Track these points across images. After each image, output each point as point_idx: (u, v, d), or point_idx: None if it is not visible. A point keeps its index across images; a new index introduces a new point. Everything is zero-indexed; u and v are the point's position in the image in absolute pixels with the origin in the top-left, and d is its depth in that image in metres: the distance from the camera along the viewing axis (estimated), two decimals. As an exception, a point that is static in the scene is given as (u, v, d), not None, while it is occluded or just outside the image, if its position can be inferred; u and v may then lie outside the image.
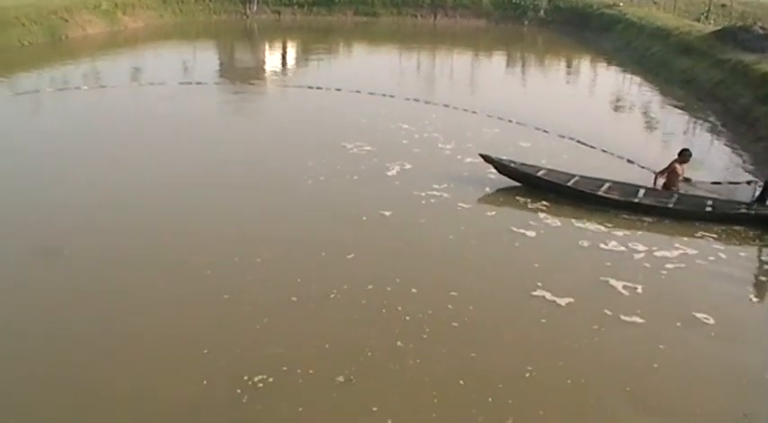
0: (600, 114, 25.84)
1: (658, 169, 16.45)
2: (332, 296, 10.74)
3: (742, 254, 13.31)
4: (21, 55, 32.91)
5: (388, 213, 14.07)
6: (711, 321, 10.62)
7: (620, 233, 13.64)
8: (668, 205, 14.98)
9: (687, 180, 16.30)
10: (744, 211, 14.80)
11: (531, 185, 15.71)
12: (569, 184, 15.58)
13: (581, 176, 15.95)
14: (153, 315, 10.32)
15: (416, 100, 24.73)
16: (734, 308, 11.32)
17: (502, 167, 16.05)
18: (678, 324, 10.58)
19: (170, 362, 9.20)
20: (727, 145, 21.72)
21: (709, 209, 14.88)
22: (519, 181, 15.96)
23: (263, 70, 33.89)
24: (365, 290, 10.97)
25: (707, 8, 46.92)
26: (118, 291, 10.94)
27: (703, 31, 36.11)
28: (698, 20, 43.92)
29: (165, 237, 12.96)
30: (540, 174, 15.91)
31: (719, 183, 16.54)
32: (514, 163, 16.18)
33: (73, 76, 28.19)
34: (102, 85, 26.69)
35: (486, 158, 16.13)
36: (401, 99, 24.66)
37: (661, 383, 9.17)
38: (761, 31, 31.89)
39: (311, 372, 8.90)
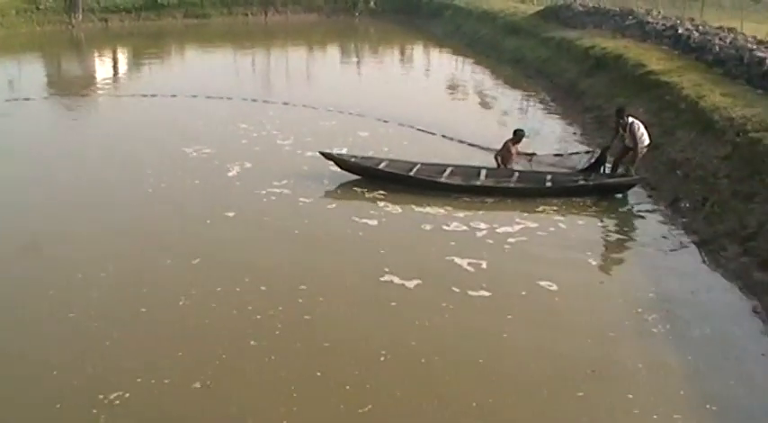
0: (437, 99, 26.35)
1: (496, 147, 16.91)
2: (181, 303, 10.65)
3: (580, 222, 13.96)
4: None
5: (231, 214, 14.04)
6: (554, 287, 11.10)
7: (461, 214, 13.99)
8: (509, 185, 15.37)
9: (531, 155, 16.85)
10: (582, 182, 15.39)
11: (374, 178, 15.78)
12: (412, 173, 15.66)
13: (422, 164, 16.09)
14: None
15: (254, 100, 24.67)
16: (575, 273, 11.84)
17: (342, 163, 16.03)
18: (523, 293, 11.01)
19: (17, 386, 8.88)
20: (558, 118, 22.73)
21: (549, 184, 15.37)
22: (361, 175, 15.95)
23: (94, 80, 32.82)
24: (214, 293, 10.91)
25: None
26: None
27: (528, 12, 37.38)
28: (522, 1, 45.31)
29: (3, 259, 12.53)
30: (381, 166, 15.93)
31: (561, 155, 17.19)
32: (355, 157, 16.24)
33: None
34: None
35: (326, 155, 16.11)
36: (238, 100, 24.57)
37: (511, 352, 9.55)
38: (581, 9, 33.42)
39: (167, 381, 8.81)
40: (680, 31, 23.69)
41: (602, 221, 14.14)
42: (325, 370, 9.06)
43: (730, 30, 23.88)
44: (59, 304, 10.73)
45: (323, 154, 16.16)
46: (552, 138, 20.09)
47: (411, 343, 9.67)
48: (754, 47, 19.74)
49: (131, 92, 27.22)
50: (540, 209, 14.36)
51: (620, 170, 15.76)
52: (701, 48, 21.57)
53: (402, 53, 40.34)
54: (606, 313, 10.56)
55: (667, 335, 9.90)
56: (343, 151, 17.59)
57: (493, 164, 16.49)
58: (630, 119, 15.46)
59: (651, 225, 13.94)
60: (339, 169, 16.05)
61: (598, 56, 25.02)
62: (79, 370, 9.12)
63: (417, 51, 40.69)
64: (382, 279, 11.36)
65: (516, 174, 15.93)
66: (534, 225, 13.57)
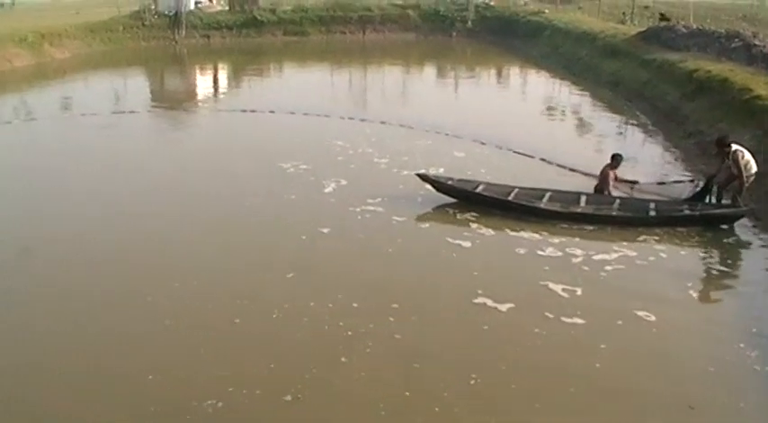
0: (533, 121, 25.99)
1: (595, 172, 16.60)
2: (274, 316, 10.77)
3: (682, 253, 13.49)
4: (-57, 91, 32.43)
5: (326, 230, 14.14)
6: (652, 318, 10.79)
7: (556, 240, 13.72)
8: (611, 213, 14.94)
9: (633, 182, 16.36)
10: (687, 212, 14.84)
11: (470, 202, 15.54)
12: (510, 197, 15.37)
13: (520, 188, 15.80)
14: (92, 343, 10.28)
15: (350, 118, 24.75)
16: (674, 304, 11.48)
17: (439, 185, 15.88)
18: (619, 322, 10.73)
19: (113, 388, 9.16)
20: (659, 143, 22.17)
21: (652, 213, 14.88)
22: (457, 198, 15.76)
23: (196, 95, 33.73)
24: (307, 307, 11.00)
25: (630, 10, 47.79)
26: (62, 320, 10.92)
27: (628, 33, 36.80)
28: (622, 22, 44.73)
29: (103, 267, 12.84)
30: (478, 189, 15.68)
31: (664, 183, 16.66)
32: (452, 180, 16.03)
33: (1, 110, 27.75)
34: (32, 118, 26.38)
35: (423, 177, 15.99)
36: (335, 117, 24.72)
37: (604, 383, 9.32)
38: (684, 30, 32.59)
39: (258, 392, 8.93)
40: (789, 56, 23.02)
41: (705, 253, 13.59)
42: (415, 390, 9.02)
43: (844, 55, 23.14)
44: (156, 311, 11.02)
45: (420, 176, 16.06)
46: (652, 164, 19.60)
47: (502, 367, 9.58)
48: None
49: (231, 107, 27.80)
50: (642, 238, 13.89)
51: (725, 200, 15.25)
52: (812, 73, 20.90)
53: (498, 74, 40.16)
54: (705, 347, 10.21)
55: (770, 373, 9.53)
56: (440, 171, 17.53)
57: (589, 189, 16.12)
58: (734, 146, 14.93)
59: (756, 258, 13.43)
60: (435, 191, 15.91)
61: (701, 79, 24.39)
62: (174, 376, 9.37)
63: (514, 72, 40.43)
64: (475, 301, 11.26)
65: (617, 201, 15.47)
66: (633, 253, 13.18)
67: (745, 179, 14.72)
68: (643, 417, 8.66)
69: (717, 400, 9.01)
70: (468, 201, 15.52)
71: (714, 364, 9.72)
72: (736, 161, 14.70)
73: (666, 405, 8.89)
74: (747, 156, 14.80)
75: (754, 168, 14.82)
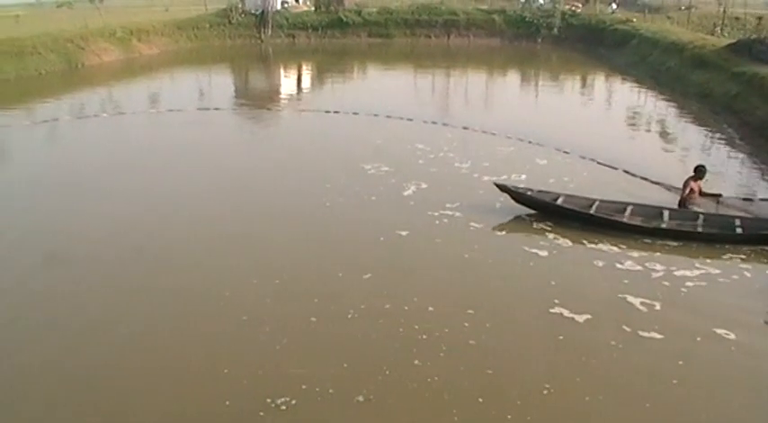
0: (617, 131, 25.66)
1: (679, 185, 16.29)
2: (349, 316, 10.85)
3: (768, 272, 13.23)
4: (38, 83, 33.47)
5: (404, 233, 14.19)
6: (732, 336, 10.55)
7: (635, 254, 13.47)
8: (697, 229, 14.54)
9: (717, 196, 16.05)
10: None
11: (549, 213, 15.30)
12: (592, 211, 15.08)
13: (601, 201, 15.49)
14: (173, 335, 10.57)
15: (433, 122, 24.78)
16: (756, 325, 11.22)
17: (518, 196, 15.59)
18: (698, 339, 10.53)
19: (191, 380, 9.39)
20: (745, 158, 21.65)
21: (739, 230, 14.40)
22: (536, 209, 15.53)
23: (279, 94, 34.16)
24: (382, 309, 11.07)
25: (720, 21, 46.89)
26: (144, 312, 11.24)
27: (717, 45, 36.11)
28: (712, 33, 43.92)
29: (186, 262, 13.16)
30: (559, 201, 15.39)
31: (751, 199, 16.28)
32: (531, 191, 15.77)
33: (91, 103, 28.58)
34: (120, 112, 27.12)
35: (502, 187, 15.75)
36: (418, 121, 24.79)
37: (681, 399, 9.18)
38: (775, 43, 31.89)
39: (331, 391, 9.01)
40: None
41: (791, 273, 13.30)
42: (488, 397, 9.00)
43: None
44: (234, 307, 11.20)
45: (498, 186, 15.83)
46: (737, 179, 19.19)
47: (576, 379, 9.50)
48: None
49: (315, 107, 28.06)
50: (727, 256, 13.51)
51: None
52: None
53: (583, 82, 39.77)
54: (787, 368, 9.96)
55: None
56: (522, 178, 17.58)
57: (672, 204, 15.74)
58: None
59: None
60: (514, 202, 15.67)
61: (793, 94, 23.88)
62: (249, 372, 9.51)
63: (599, 81, 39.98)
64: (551, 311, 11.18)
65: (701, 217, 15.00)
66: (716, 271, 12.85)
67: None
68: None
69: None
70: (547, 212, 15.30)
71: (797, 387, 9.49)
72: None
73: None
74: None
75: None
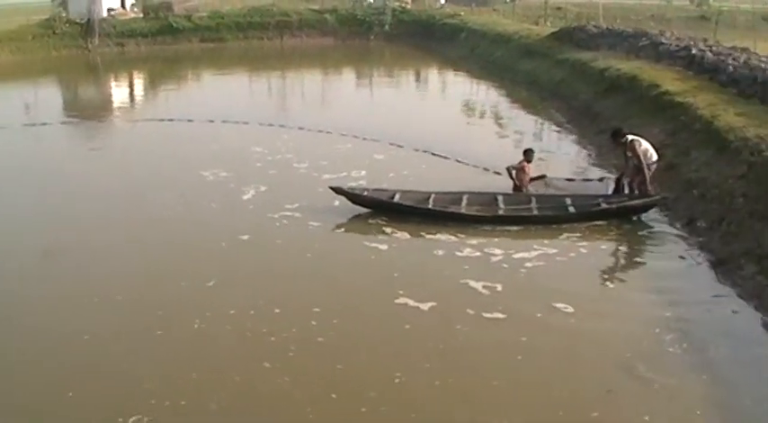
0: (452, 122, 26.28)
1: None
2: (195, 326, 10.70)
3: (603, 247, 13.93)
4: None
5: (245, 237, 14.11)
6: (570, 310, 11.06)
7: (474, 241, 13.81)
8: (533, 212, 15.05)
9: (542, 177, 16.75)
10: (605, 206, 15.06)
11: (387, 211, 15.27)
12: (429, 204, 15.22)
13: (436, 193, 15.66)
14: (6, 365, 10.05)
15: (270, 124, 24.58)
16: (593, 296, 11.87)
17: (354, 197, 15.52)
18: (539, 315, 10.99)
19: (34, 409, 8.94)
20: (574, 139, 22.74)
21: (571, 209, 15.07)
22: (373, 208, 15.46)
23: (111, 105, 33.15)
24: (228, 315, 10.97)
25: (544, 12, 48.67)
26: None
27: (542, 34, 37.53)
28: (536, 23, 45.57)
29: (15, 280, 12.67)
30: (395, 198, 15.44)
31: (573, 180, 17.11)
32: (367, 190, 15.76)
33: None
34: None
35: (337, 190, 15.59)
36: (255, 124, 24.53)
37: (526, 374, 9.55)
38: (595, 30, 33.44)
39: (183, 403, 8.86)
40: (693, 52, 23.70)
41: (622, 244, 14.09)
42: (340, 392, 9.08)
43: (744, 50, 23.97)
44: (76, 326, 10.80)
45: (333, 189, 15.65)
46: (567, 160, 20.10)
47: (426, 365, 9.69)
48: (768, 66, 19.77)
49: (148, 116, 27.42)
50: (564, 236, 14.13)
51: (636, 191, 15.64)
52: (714, 68, 21.57)
53: (417, 76, 40.53)
54: (622, 334, 10.49)
55: (684, 354, 9.89)
56: (362, 173, 17.94)
57: (506, 189, 16.24)
58: (630, 137, 15.34)
59: (668, 245, 13.90)
60: (351, 204, 15.57)
61: (612, 77, 25.05)
62: (96, 392, 9.20)
63: (432, 74, 40.86)
64: (397, 301, 11.36)
65: (534, 199, 15.58)
66: (554, 250, 13.43)
67: (646, 167, 15.14)
68: (563, 404, 8.85)
69: (633, 384, 9.29)
70: (384, 210, 15.31)
71: (631, 349, 10.04)
72: (633, 150, 15.10)
73: (586, 391, 9.18)
74: (645, 144, 15.26)
75: (654, 156, 15.27)
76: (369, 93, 35.83)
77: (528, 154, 16.55)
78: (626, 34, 30.53)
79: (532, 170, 16.56)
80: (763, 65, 19.99)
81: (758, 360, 9.85)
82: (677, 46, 25.60)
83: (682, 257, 13.21)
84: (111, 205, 16.48)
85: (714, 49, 24.20)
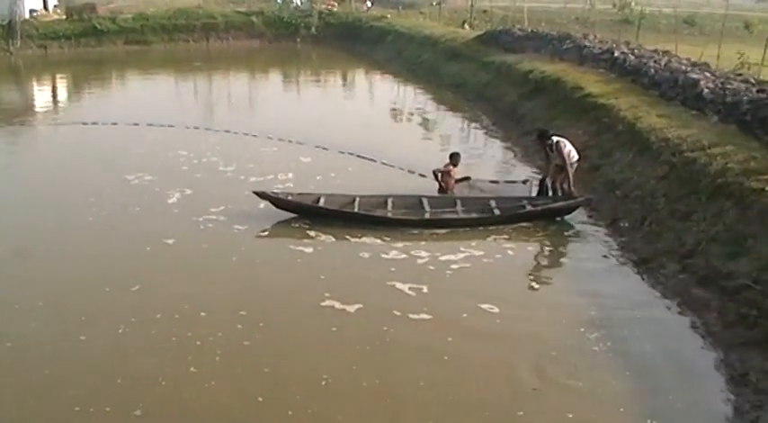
0: (378, 124, 26.43)
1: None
2: (120, 331, 10.54)
3: (529, 248, 14.19)
4: None
5: (170, 241, 13.95)
6: (496, 310, 11.21)
7: (400, 244, 13.87)
8: (459, 215, 15.12)
9: (467, 179, 16.90)
10: (530, 208, 15.21)
11: (312, 215, 15.12)
12: (354, 208, 15.19)
13: (361, 197, 15.64)
14: None
15: (196, 127, 24.30)
16: (518, 296, 12.08)
17: (278, 202, 15.33)
18: (464, 315, 11.11)
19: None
20: (499, 141, 23.07)
21: (497, 211, 15.15)
22: (298, 213, 15.27)
23: (34, 109, 32.33)
24: (154, 319, 10.85)
25: (470, 15, 49.08)
26: None
27: (468, 37, 37.87)
28: (462, 27, 45.95)
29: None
30: (320, 202, 15.30)
31: (497, 182, 17.24)
32: (291, 194, 15.67)
33: None
34: None
35: (261, 195, 15.40)
36: (180, 127, 24.20)
37: (452, 374, 9.65)
38: (520, 33, 33.95)
39: (108, 410, 8.75)
40: (616, 55, 24.19)
41: (547, 245, 14.32)
42: (267, 395, 9.08)
43: (665, 53, 24.58)
44: (-4, 336, 10.56)
45: (257, 194, 15.41)
46: (493, 162, 20.40)
47: (352, 367, 9.74)
48: (689, 69, 20.30)
49: (72, 120, 26.75)
50: (492, 238, 14.28)
51: (560, 193, 15.91)
52: (636, 70, 22.05)
53: (344, 79, 40.58)
54: (548, 334, 10.69)
55: (608, 352, 10.12)
56: (289, 175, 17.99)
57: (431, 191, 16.37)
58: (555, 138, 15.65)
59: (592, 245, 14.19)
60: (275, 208, 15.39)
61: (537, 79, 25.44)
62: (17, 402, 9.03)
63: (359, 77, 40.97)
64: (323, 304, 11.37)
65: (459, 201, 15.68)
66: (480, 252, 13.56)
67: (570, 167, 15.45)
68: (490, 403, 8.99)
69: (558, 382, 9.48)
70: (309, 214, 15.16)
71: (556, 348, 10.24)
72: (560, 152, 15.42)
73: (512, 390, 9.32)
74: (569, 146, 15.55)
75: (576, 157, 15.61)
76: (296, 95, 35.71)
77: (454, 157, 16.71)
78: (550, 37, 31.04)
79: (458, 173, 16.69)
80: (684, 67, 20.49)
81: (679, 356, 10.11)
82: (600, 49, 26.12)
83: (605, 257, 13.51)
84: (31, 211, 16.10)
85: (636, 51, 24.76)
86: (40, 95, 36.66)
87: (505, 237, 14.37)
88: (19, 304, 11.53)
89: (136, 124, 24.63)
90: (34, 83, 40.38)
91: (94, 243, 14.22)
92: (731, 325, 10.48)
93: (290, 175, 18.10)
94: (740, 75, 19.89)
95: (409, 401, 9.05)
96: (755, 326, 10.15)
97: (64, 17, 52.47)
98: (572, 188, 15.54)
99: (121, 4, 57.95)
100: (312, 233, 14.41)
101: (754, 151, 14.04)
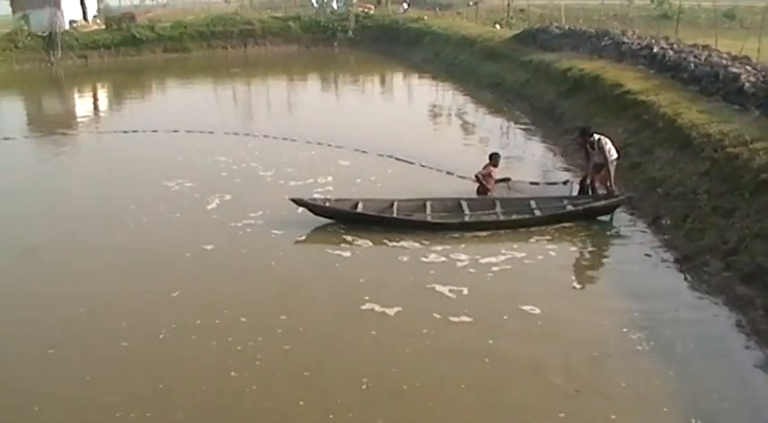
0: (417, 126, 26.36)
1: (472, 176, 16.96)
2: (161, 336, 10.61)
3: (572, 248, 13.93)
4: None
5: (209, 247, 14.02)
6: (537, 311, 11.10)
7: (439, 247, 13.76)
8: (499, 217, 14.92)
9: (506, 179, 16.80)
10: (570, 208, 15.08)
11: (350, 221, 14.95)
12: (393, 213, 15.06)
13: (399, 201, 15.51)
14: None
15: (235, 133, 24.48)
16: (560, 297, 11.87)
17: (316, 208, 15.15)
18: (505, 317, 11.00)
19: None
20: (539, 141, 22.88)
21: (537, 212, 15.00)
22: (335, 219, 15.12)
23: (75, 118, 32.79)
24: (194, 325, 10.90)
25: (507, 14, 48.87)
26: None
27: (504, 36, 37.68)
28: (500, 26, 45.76)
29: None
30: (358, 208, 15.15)
31: (537, 183, 17.09)
32: (329, 201, 15.49)
33: None
34: None
35: (298, 202, 15.17)
36: (220, 133, 24.41)
37: (494, 376, 9.57)
38: (557, 31, 33.63)
39: (149, 415, 8.79)
40: (655, 51, 23.90)
41: (589, 245, 14.08)
42: (308, 399, 9.05)
43: (705, 47, 24.18)
44: (40, 341, 10.70)
45: (294, 201, 15.22)
46: (533, 161, 20.23)
47: (393, 370, 9.68)
48: (729, 63, 19.93)
49: (113, 128, 27.08)
50: (534, 239, 14.14)
51: (600, 192, 15.74)
52: (676, 66, 21.76)
53: (382, 81, 40.58)
54: (591, 334, 10.56)
55: (651, 352, 9.95)
56: (329, 179, 18.05)
57: (470, 193, 16.31)
58: (596, 135, 15.52)
59: (634, 244, 13.99)
60: (314, 215, 15.24)
61: (576, 78, 25.22)
62: (60, 406, 9.13)
63: (397, 79, 40.96)
64: (363, 307, 11.35)
65: (499, 203, 15.50)
66: (522, 254, 13.42)
67: (610, 165, 15.28)
68: (532, 405, 8.91)
69: (601, 382, 9.39)
70: (347, 221, 15.00)
71: (598, 348, 10.12)
72: (601, 149, 15.27)
73: (553, 392, 9.18)
74: (609, 143, 15.40)
75: (615, 154, 15.42)
76: (334, 99, 35.77)
77: (494, 158, 16.64)
78: (588, 34, 30.71)
79: (498, 173, 16.60)
80: (724, 62, 20.17)
81: (724, 355, 9.93)
82: (639, 45, 25.81)
83: (647, 255, 13.30)
84: (75, 218, 16.38)
85: (675, 47, 24.40)
86: (82, 105, 37.16)
87: (548, 238, 14.22)
88: (62, 311, 11.66)
89: (176, 131, 24.88)
90: (75, 92, 40.95)
91: (135, 250, 14.32)
92: (777, 322, 10.30)
93: (330, 178, 18.15)
94: (782, 68, 19.52)
95: (450, 404, 8.96)
96: (802, 324, 9.98)
97: (103, 27, 53.19)
98: (613, 187, 15.36)
99: (159, 12, 58.63)
100: (351, 238, 14.34)
101: (797, 145, 13.79)
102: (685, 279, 12.28)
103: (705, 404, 8.82)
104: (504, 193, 16.40)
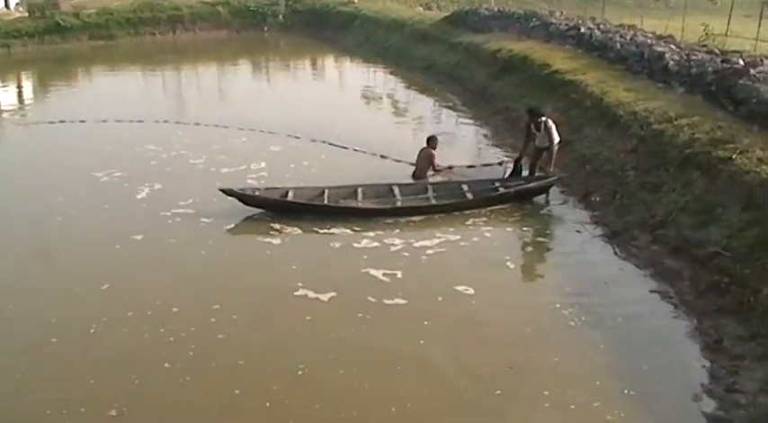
0: (350, 110, 26.43)
1: (409, 160, 17.11)
2: (92, 330, 10.41)
3: (507, 229, 14.17)
4: None
5: (139, 237, 13.79)
6: (471, 291, 11.25)
7: (371, 233, 13.74)
8: (430, 202, 15.00)
9: (450, 168, 16.81)
10: (503, 190, 15.17)
11: (281, 211, 14.79)
12: (324, 200, 14.93)
13: (330, 188, 15.36)
14: None
15: (165, 121, 24.03)
16: (493, 277, 12.02)
17: (245, 198, 14.84)
18: (440, 299, 11.12)
19: None
20: (470, 121, 23.09)
21: (469, 196, 15.05)
22: (266, 208, 14.94)
23: (-1, 108, 32.03)
24: (125, 318, 10.70)
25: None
26: None
27: (435, 19, 37.84)
28: (429, 8, 45.87)
29: None
30: (288, 196, 14.96)
31: (473, 166, 17.21)
32: (259, 190, 15.21)
33: None
34: None
35: (227, 192, 14.77)
36: (150, 122, 23.91)
37: (429, 356, 9.64)
38: (486, 13, 33.93)
39: (82, 410, 8.65)
40: (582, 31, 24.24)
41: (523, 225, 14.25)
42: (244, 388, 9.01)
43: (631, 27, 24.66)
44: (-34, 341, 10.41)
45: (223, 191, 14.89)
46: (466, 142, 20.39)
47: (328, 355, 9.68)
48: (654, 42, 20.31)
49: (38, 119, 26.39)
50: (470, 222, 14.23)
51: (537, 173, 15.90)
52: (603, 46, 22.12)
53: (313, 65, 40.40)
54: (524, 311, 10.74)
55: (583, 327, 10.18)
56: (262, 165, 17.93)
57: (402, 178, 16.35)
58: (544, 117, 15.64)
59: (566, 222, 14.27)
60: (244, 205, 14.99)
61: (505, 58, 25.48)
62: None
63: (329, 63, 40.80)
64: (296, 294, 11.31)
65: (431, 188, 15.59)
66: (456, 237, 13.51)
67: (555, 148, 15.46)
68: (467, 383, 9.04)
69: (534, 359, 9.54)
70: (278, 211, 14.85)
71: (531, 326, 10.31)
72: (548, 131, 15.40)
73: (489, 370, 9.33)
74: (553, 125, 15.53)
75: (557, 138, 15.55)
76: (265, 85, 35.49)
77: (432, 141, 16.69)
78: (517, 16, 31.06)
79: (437, 156, 16.66)
80: (649, 41, 20.52)
81: (653, 326, 10.23)
82: (567, 25, 26.19)
83: (578, 232, 13.59)
84: (-1, 211, 15.97)
85: (602, 27, 24.82)
86: (5, 95, 36.12)
87: (483, 220, 14.34)
88: (-11, 309, 11.38)
89: (104, 121, 24.34)
90: (-2, 82, 39.90)
91: (63, 243, 14.04)
92: (704, 293, 10.62)
93: (263, 164, 18.01)
94: (705, 46, 19.92)
95: (387, 386, 9.02)
96: (728, 293, 10.29)
97: (26, 15, 51.71)
98: (548, 169, 15.52)
99: (84, -1, 57.25)
100: (281, 226, 14.17)
101: (720, 121, 14.13)
102: (615, 253, 12.59)
103: (636, 375, 9.02)
104: (444, 179, 16.47)
